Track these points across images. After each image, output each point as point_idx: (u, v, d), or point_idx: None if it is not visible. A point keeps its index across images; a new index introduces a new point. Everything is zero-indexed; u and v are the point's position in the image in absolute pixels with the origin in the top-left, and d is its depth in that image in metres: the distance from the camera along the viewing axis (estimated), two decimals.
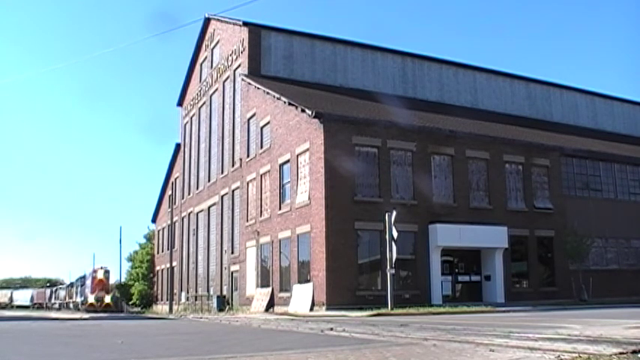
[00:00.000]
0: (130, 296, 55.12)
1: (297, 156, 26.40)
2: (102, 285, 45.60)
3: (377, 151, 25.49)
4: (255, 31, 33.53)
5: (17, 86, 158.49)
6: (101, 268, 47.47)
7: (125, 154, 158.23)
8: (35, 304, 66.63)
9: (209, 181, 40.09)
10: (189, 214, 43.75)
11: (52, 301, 61.47)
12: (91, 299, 43.89)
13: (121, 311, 44.66)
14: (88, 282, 46.37)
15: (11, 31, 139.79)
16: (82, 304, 46.14)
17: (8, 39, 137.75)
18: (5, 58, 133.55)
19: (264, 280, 29.32)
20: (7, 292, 78.46)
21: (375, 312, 19.94)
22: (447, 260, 26.78)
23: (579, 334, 8.90)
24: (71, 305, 53.02)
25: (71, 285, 56.71)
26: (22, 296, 72.59)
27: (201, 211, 41.15)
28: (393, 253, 21.83)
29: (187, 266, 43.28)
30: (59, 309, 55.52)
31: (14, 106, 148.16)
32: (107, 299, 44.34)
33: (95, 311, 40.53)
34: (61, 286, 64.02)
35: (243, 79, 33.57)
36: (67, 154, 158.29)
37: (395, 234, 21.82)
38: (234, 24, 35.97)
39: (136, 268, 58.78)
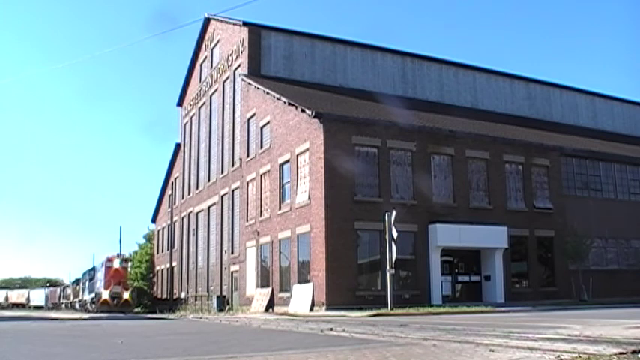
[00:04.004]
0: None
1: (297, 156, 26.39)
2: (119, 277, 37.47)
3: (377, 151, 25.47)
4: (255, 31, 33.51)
5: (19, 84, 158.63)
6: (117, 255, 39.41)
7: (125, 153, 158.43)
8: (50, 303, 63.74)
9: (209, 181, 40.08)
10: (189, 214, 43.73)
11: (61, 300, 58.36)
12: (105, 295, 36.27)
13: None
14: (100, 274, 38.46)
15: (16, 29, 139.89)
16: (93, 301, 38.50)
17: (13, 36, 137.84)
18: (9, 55, 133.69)
19: (264, 280, 29.30)
20: (24, 292, 76.52)
21: (374, 312, 19.92)
22: (447, 260, 26.76)
23: (579, 334, 8.89)
24: (77, 305, 46.57)
25: (77, 281, 50.02)
26: (38, 296, 70.48)
27: (201, 211, 41.14)
28: (392, 253, 21.82)
29: (187, 266, 43.22)
30: (65, 308, 52.11)
31: (16, 104, 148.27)
32: (126, 295, 36.87)
33: (110, 311, 34.17)
34: (68, 284, 60.24)
35: (243, 79, 33.55)
36: (67, 153, 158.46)
37: (395, 234, 21.82)
38: (234, 24, 35.95)
39: (135, 268, 58.69)
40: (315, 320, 16.08)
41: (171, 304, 39.23)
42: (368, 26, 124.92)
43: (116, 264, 37.80)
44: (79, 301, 46.07)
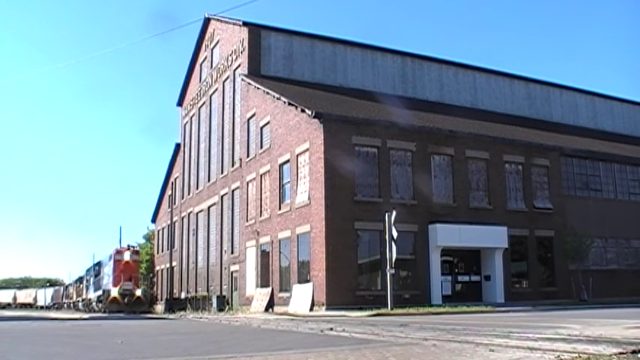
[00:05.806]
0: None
1: (297, 156, 26.39)
2: (130, 272, 34.01)
3: (377, 151, 25.47)
4: (255, 31, 33.51)
5: (19, 84, 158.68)
6: (128, 248, 35.78)
7: (125, 153, 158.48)
8: (55, 303, 62.84)
9: (209, 181, 40.08)
10: (189, 214, 43.73)
11: (63, 300, 57.43)
12: (115, 293, 32.79)
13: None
14: (108, 269, 34.88)
15: (16, 29, 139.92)
16: (100, 300, 34.85)
17: (13, 36, 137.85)
18: (9, 55, 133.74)
19: (263, 280, 29.30)
20: (31, 292, 76.28)
21: (374, 312, 19.92)
22: (447, 260, 26.76)
23: (579, 334, 8.89)
24: (80, 304, 43.65)
25: (79, 280, 46.89)
26: (45, 296, 70.13)
27: (201, 211, 41.14)
28: (392, 253, 21.82)
29: (187, 266, 43.22)
30: (66, 308, 51.08)
31: (16, 104, 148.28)
32: (138, 292, 33.69)
33: (120, 310, 31.44)
34: (70, 283, 58.84)
35: (243, 79, 33.55)
36: (67, 153, 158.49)
37: (395, 234, 21.81)
38: (234, 24, 35.96)
39: None
40: (315, 320, 16.07)
41: (172, 304, 39.03)
42: (368, 26, 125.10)
43: (127, 257, 34.38)
44: (83, 300, 43.52)
